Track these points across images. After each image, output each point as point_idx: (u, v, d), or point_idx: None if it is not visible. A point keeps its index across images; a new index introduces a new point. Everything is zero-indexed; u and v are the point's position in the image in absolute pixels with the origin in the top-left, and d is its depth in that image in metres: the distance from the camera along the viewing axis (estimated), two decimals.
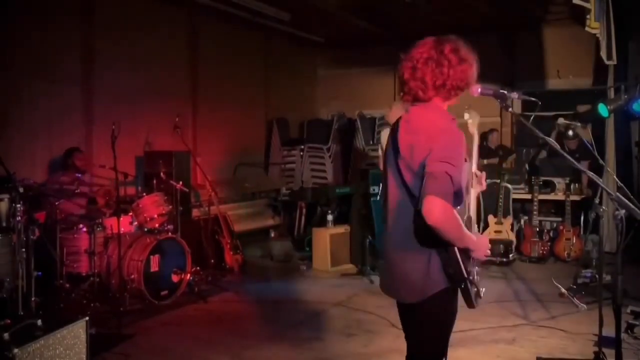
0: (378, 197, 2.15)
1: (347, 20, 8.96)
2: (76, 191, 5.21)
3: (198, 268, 5.89)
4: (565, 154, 2.75)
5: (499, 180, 7.59)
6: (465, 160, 2.26)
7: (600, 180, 2.80)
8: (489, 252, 2.31)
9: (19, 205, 4.16)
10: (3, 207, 4.24)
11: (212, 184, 6.62)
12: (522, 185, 7.75)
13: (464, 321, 4.78)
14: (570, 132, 5.95)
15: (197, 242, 6.07)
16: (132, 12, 7.14)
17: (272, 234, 8.46)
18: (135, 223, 5.62)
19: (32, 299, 4.25)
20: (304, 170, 9.77)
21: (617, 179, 3.46)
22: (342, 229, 6.95)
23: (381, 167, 5.76)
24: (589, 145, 3.85)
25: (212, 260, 6.29)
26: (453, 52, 2.26)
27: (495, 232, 7.44)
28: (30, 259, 4.29)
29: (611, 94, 7.15)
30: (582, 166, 2.88)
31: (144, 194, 5.65)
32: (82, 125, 6.59)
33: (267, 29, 9.25)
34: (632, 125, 7.66)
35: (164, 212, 5.58)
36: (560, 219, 7.48)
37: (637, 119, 6.65)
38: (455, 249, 2.11)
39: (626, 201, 2.61)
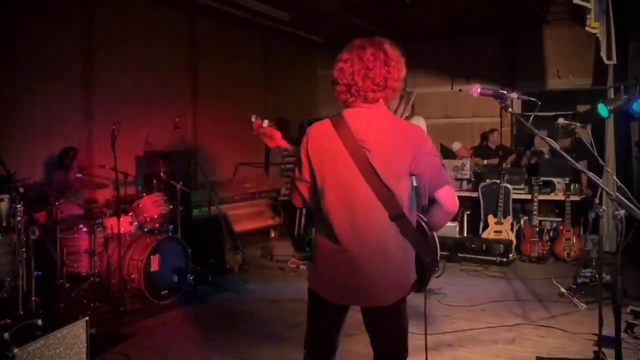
0: (307, 205, 1.99)
1: (347, 21, 8.96)
2: (76, 191, 5.21)
3: (198, 268, 5.89)
4: (565, 154, 2.75)
5: (499, 180, 7.59)
6: None
7: (600, 180, 2.81)
8: None
9: (19, 206, 4.16)
10: (3, 207, 4.24)
11: (212, 184, 6.62)
12: (522, 185, 7.75)
13: (464, 321, 4.79)
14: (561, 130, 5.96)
15: (197, 242, 6.06)
16: (132, 12, 7.15)
17: (272, 234, 8.47)
18: (136, 223, 5.62)
19: (32, 298, 4.26)
20: None
21: (616, 179, 3.47)
22: None
23: None
24: (589, 145, 3.85)
25: (212, 260, 6.29)
26: (393, 52, 2.27)
27: (495, 232, 7.45)
28: (31, 259, 4.29)
29: (611, 94, 7.15)
30: (581, 166, 2.87)
31: (144, 194, 5.65)
32: (82, 125, 6.60)
33: (267, 29, 9.26)
34: (632, 125, 7.66)
35: (164, 212, 5.58)
36: (560, 219, 7.48)
37: (637, 119, 6.65)
38: (435, 234, 2.23)
39: (626, 201, 2.61)
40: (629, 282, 4.83)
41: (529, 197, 7.48)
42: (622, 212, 2.82)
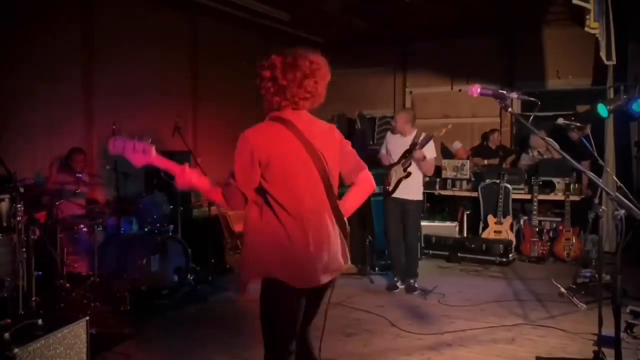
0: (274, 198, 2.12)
1: (347, 21, 8.96)
2: (77, 191, 5.22)
3: (198, 268, 5.89)
4: (564, 154, 2.76)
5: (498, 180, 7.60)
6: None
7: (600, 180, 2.81)
8: None
9: (19, 206, 4.16)
10: (3, 207, 4.24)
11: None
12: (521, 185, 7.75)
13: (464, 320, 4.79)
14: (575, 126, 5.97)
15: (197, 242, 6.07)
16: (132, 12, 7.15)
17: None
18: (136, 223, 5.62)
19: (33, 298, 4.25)
20: None
21: (616, 179, 3.47)
22: None
23: (387, 163, 5.81)
24: (588, 145, 3.85)
25: (212, 260, 6.29)
26: (324, 63, 2.60)
27: (495, 232, 7.46)
28: (31, 259, 4.30)
29: (611, 94, 7.16)
30: (583, 166, 2.88)
31: (144, 194, 5.65)
32: (83, 125, 6.60)
33: (267, 29, 9.25)
34: (632, 126, 7.66)
35: (164, 212, 5.58)
36: (559, 219, 7.48)
37: (637, 119, 6.65)
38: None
39: (626, 201, 2.61)
40: (629, 282, 4.84)
41: (528, 197, 7.49)
42: (622, 212, 2.82)
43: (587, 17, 5.66)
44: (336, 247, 2.52)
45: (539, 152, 8.32)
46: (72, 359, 3.28)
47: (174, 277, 5.43)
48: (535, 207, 7.26)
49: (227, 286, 5.91)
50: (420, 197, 5.85)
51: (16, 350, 2.86)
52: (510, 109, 2.84)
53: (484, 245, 7.12)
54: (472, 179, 8.21)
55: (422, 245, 7.29)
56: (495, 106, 7.94)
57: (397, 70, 10.67)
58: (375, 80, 10.82)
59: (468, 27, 9.41)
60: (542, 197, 7.47)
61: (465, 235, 7.98)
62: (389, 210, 5.84)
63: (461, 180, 8.22)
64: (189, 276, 5.61)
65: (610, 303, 3.33)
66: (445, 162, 8.41)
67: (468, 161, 8.34)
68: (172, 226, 5.68)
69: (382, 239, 6.67)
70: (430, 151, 5.61)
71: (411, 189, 5.69)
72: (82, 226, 5.25)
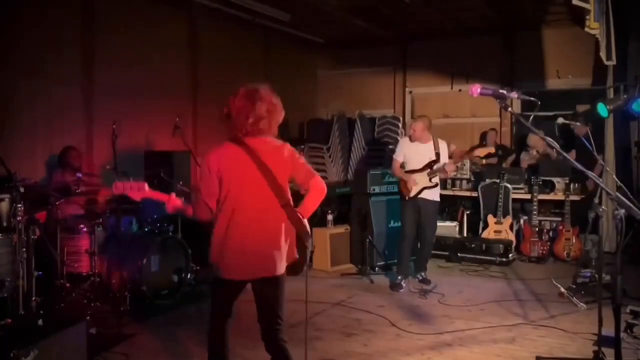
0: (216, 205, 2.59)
1: (347, 21, 8.97)
2: (77, 191, 5.21)
3: (198, 268, 5.89)
4: (566, 155, 2.76)
5: (498, 180, 7.60)
6: None
7: (600, 180, 2.81)
8: None
9: (19, 205, 4.16)
10: (4, 207, 4.24)
11: None
12: (521, 185, 7.75)
13: (464, 320, 4.79)
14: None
15: (197, 242, 6.06)
16: (132, 12, 7.15)
17: None
18: (135, 223, 5.62)
19: (33, 298, 4.25)
20: None
21: (616, 179, 3.47)
22: (342, 229, 6.96)
23: (396, 172, 5.89)
24: (588, 145, 3.85)
25: None
26: (277, 100, 3.09)
27: (495, 232, 7.45)
28: (31, 259, 4.29)
29: (610, 94, 7.16)
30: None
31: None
32: (82, 125, 6.60)
33: (267, 29, 9.26)
34: (632, 125, 7.67)
35: (164, 212, 5.56)
36: (559, 219, 7.48)
37: (637, 119, 6.66)
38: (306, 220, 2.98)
39: (626, 201, 2.62)
40: (629, 282, 4.84)
41: (528, 197, 7.49)
42: (622, 212, 2.83)
43: (587, 17, 5.66)
44: (276, 251, 2.92)
45: (537, 151, 8.32)
46: (72, 359, 3.28)
47: (174, 277, 5.42)
48: (535, 207, 7.26)
49: None
50: (438, 198, 6.02)
51: (16, 350, 2.86)
52: (510, 109, 2.84)
53: (484, 245, 7.12)
54: (472, 179, 8.21)
55: None
56: (495, 106, 7.92)
57: (397, 70, 10.68)
58: (375, 80, 10.82)
59: (468, 27, 9.42)
60: (542, 197, 7.47)
61: (465, 235, 7.98)
62: (407, 210, 5.91)
63: (461, 180, 8.22)
64: (189, 276, 5.61)
65: (610, 303, 3.33)
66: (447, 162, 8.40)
67: (468, 161, 8.34)
68: (172, 226, 5.67)
69: (382, 239, 6.68)
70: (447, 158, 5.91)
71: (432, 190, 5.86)
72: (82, 226, 5.25)
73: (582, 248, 6.92)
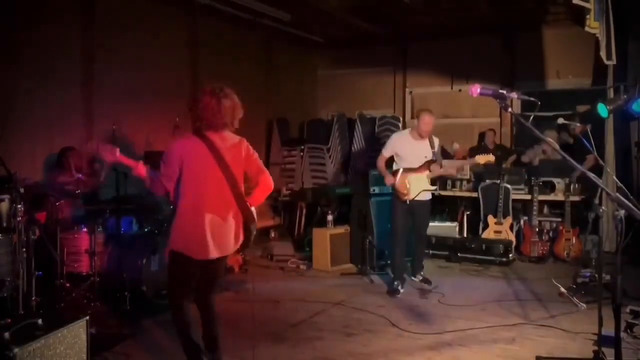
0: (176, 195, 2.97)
1: (347, 20, 8.97)
2: (77, 192, 5.21)
3: None
4: (565, 155, 2.76)
5: (498, 181, 7.60)
6: None
7: (600, 180, 2.81)
8: None
9: (19, 206, 4.16)
10: (4, 208, 4.24)
11: None
12: (521, 186, 7.75)
13: (464, 320, 4.79)
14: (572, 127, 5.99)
15: None
16: (133, 12, 7.15)
17: (272, 234, 8.47)
18: (135, 223, 5.62)
19: (33, 298, 4.25)
20: (304, 170, 9.77)
21: (616, 179, 3.47)
22: (342, 229, 6.96)
23: (381, 168, 5.79)
24: (588, 145, 3.85)
25: None
26: (237, 100, 3.40)
27: (495, 232, 7.45)
28: (31, 259, 4.29)
29: (611, 94, 7.16)
30: (587, 162, 2.87)
31: (144, 194, 5.64)
32: (82, 125, 6.60)
33: (268, 29, 9.26)
34: (632, 125, 7.66)
35: (164, 212, 5.57)
36: (559, 219, 7.48)
37: (637, 119, 6.65)
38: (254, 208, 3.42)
39: (626, 201, 2.61)
40: (629, 282, 4.84)
41: (528, 197, 7.49)
42: (622, 212, 2.83)
43: (587, 17, 5.67)
44: (230, 233, 3.35)
45: (543, 151, 8.29)
46: (72, 359, 3.27)
47: None
48: (535, 208, 7.26)
49: (226, 286, 5.90)
50: (430, 197, 5.89)
51: (16, 350, 2.86)
52: (510, 109, 2.84)
53: (484, 246, 7.12)
54: (472, 179, 8.21)
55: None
56: (495, 106, 7.92)
57: (397, 70, 10.68)
58: (375, 80, 10.83)
59: (468, 27, 9.42)
60: (542, 197, 7.47)
61: (465, 235, 7.98)
62: (400, 213, 5.69)
63: (461, 180, 8.22)
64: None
65: (610, 303, 3.33)
66: (445, 162, 8.39)
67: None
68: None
69: (382, 239, 6.67)
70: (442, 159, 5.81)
71: (423, 192, 5.70)
72: (82, 226, 5.25)
73: (582, 248, 6.92)
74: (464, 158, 8.53)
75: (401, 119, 9.89)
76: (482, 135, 9.26)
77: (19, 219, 4.16)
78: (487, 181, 7.84)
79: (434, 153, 5.63)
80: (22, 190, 4.19)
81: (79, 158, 5.90)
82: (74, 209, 5.52)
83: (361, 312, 5.07)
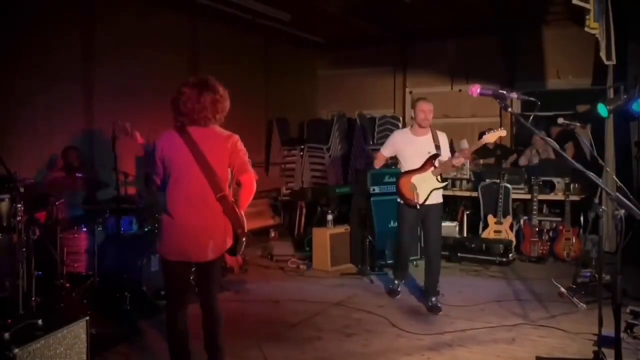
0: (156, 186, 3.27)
1: (347, 21, 8.96)
2: (77, 191, 5.22)
3: None
4: (564, 154, 2.76)
5: (498, 180, 7.60)
6: None
7: (600, 180, 2.81)
8: None
9: (19, 205, 4.16)
10: (4, 207, 4.24)
11: None
12: (521, 185, 7.75)
13: (464, 321, 4.79)
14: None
15: None
16: (133, 12, 7.15)
17: (272, 234, 8.47)
18: (136, 223, 5.62)
19: (33, 298, 4.25)
20: (304, 170, 9.78)
21: (616, 179, 3.47)
22: (342, 229, 6.95)
23: (378, 166, 5.72)
24: (588, 145, 3.85)
25: None
26: (224, 91, 3.27)
27: (495, 232, 7.45)
28: (31, 259, 4.29)
29: (610, 94, 7.16)
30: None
31: (144, 194, 5.65)
32: (83, 125, 6.60)
33: (268, 29, 9.25)
34: (632, 125, 7.67)
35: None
36: (559, 219, 7.48)
37: (637, 119, 6.67)
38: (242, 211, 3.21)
39: (626, 201, 2.62)
40: (629, 282, 4.84)
41: (528, 197, 7.49)
42: (622, 212, 2.83)
43: (587, 17, 5.67)
44: (212, 237, 3.13)
45: (537, 151, 8.31)
46: (72, 359, 3.27)
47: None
48: (535, 207, 7.26)
49: (227, 286, 5.91)
50: (441, 200, 5.33)
51: (16, 350, 2.86)
52: (510, 109, 2.85)
53: (484, 245, 7.12)
54: (472, 179, 8.21)
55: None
56: (495, 106, 7.94)
57: (397, 70, 10.68)
58: (375, 80, 10.83)
59: (468, 27, 9.41)
60: (542, 197, 7.47)
61: (465, 235, 7.98)
62: (407, 217, 5.23)
63: (461, 180, 8.22)
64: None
65: (610, 303, 3.33)
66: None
67: (468, 161, 8.33)
68: None
69: (382, 239, 6.67)
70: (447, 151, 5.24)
71: (437, 192, 5.18)
72: (82, 226, 5.25)
73: (582, 248, 6.92)
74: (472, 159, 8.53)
75: (401, 119, 9.89)
76: (481, 136, 9.24)
77: (18, 218, 4.16)
78: (487, 180, 7.84)
79: (437, 147, 5.11)
80: (22, 190, 4.19)
81: (80, 157, 5.91)
82: (74, 209, 5.52)
83: (361, 312, 5.07)
